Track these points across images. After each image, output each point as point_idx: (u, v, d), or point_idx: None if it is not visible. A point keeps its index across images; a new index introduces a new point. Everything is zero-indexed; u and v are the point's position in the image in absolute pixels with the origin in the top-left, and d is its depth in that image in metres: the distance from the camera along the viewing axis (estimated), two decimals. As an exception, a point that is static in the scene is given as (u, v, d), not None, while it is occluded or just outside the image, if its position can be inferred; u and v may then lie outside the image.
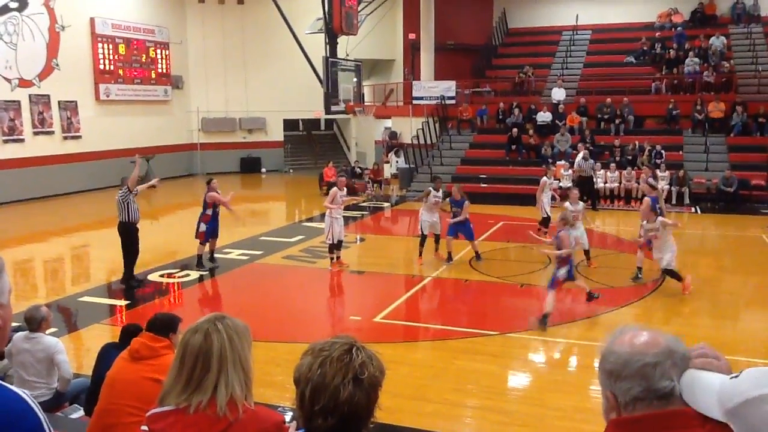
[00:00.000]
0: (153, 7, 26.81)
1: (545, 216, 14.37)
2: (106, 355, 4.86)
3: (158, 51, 26.89)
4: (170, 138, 27.42)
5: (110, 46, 24.57)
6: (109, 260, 13.42)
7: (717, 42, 24.54)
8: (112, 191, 23.37)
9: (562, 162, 19.83)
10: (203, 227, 12.15)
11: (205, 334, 2.30)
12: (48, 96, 22.16)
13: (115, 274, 12.28)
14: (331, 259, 12.22)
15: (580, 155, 19.02)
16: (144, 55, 26.17)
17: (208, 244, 12.25)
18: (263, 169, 29.69)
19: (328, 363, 1.79)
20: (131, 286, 11.02)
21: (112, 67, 24.67)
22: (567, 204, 11.84)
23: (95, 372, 5.06)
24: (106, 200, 22.10)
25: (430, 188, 12.76)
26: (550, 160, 19.51)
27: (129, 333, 4.71)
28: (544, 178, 15.01)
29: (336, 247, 12.18)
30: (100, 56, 24.17)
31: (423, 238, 12.42)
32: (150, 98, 26.62)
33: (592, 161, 18.65)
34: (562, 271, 8.86)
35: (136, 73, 25.79)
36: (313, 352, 1.85)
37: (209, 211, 12.20)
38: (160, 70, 27.03)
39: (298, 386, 1.83)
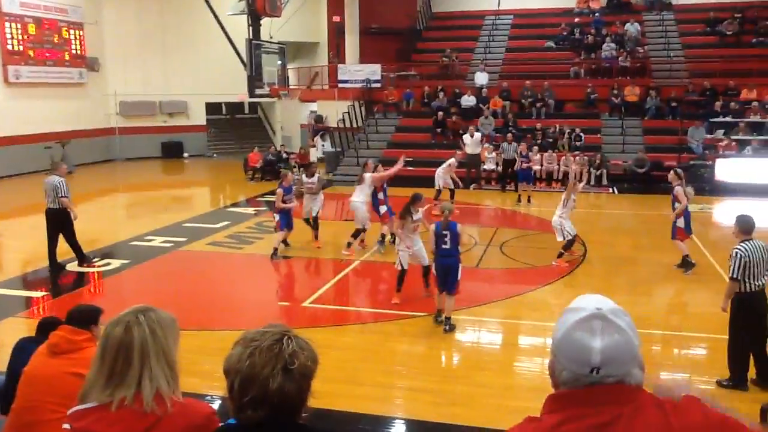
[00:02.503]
0: (65, -16, 25.61)
1: (439, 189, 15.74)
2: (22, 350, 4.65)
3: (71, 31, 25.72)
4: (86, 122, 26.36)
5: (19, 26, 23.34)
6: (24, 250, 12.87)
7: (632, 28, 25.38)
8: (25, 178, 22.50)
9: (487, 145, 20.16)
10: (384, 209, 12.06)
11: (126, 327, 2.21)
12: (-49, 78, 20.94)
13: (31, 265, 11.81)
14: (348, 243, 11.93)
15: (474, 136, 19.36)
16: (56, 36, 24.99)
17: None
18: (186, 154, 28.97)
19: (258, 353, 1.75)
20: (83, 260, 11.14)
21: (21, 48, 23.46)
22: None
23: (10, 368, 4.83)
24: (18, 188, 21.17)
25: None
26: (462, 144, 19.66)
27: (46, 326, 4.52)
28: (452, 159, 16.08)
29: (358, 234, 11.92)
30: (8, 36, 22.93)
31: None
32: (64, 81, 25.46)
33: (515, 144, 19.00)
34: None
35: (48, 55, 24.61)
36: (243, 341, 1.80)
37: (381, 195, 12.18)
38: (74, 52, 25.88)
39: (228, 377, 1.79)
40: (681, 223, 10.68)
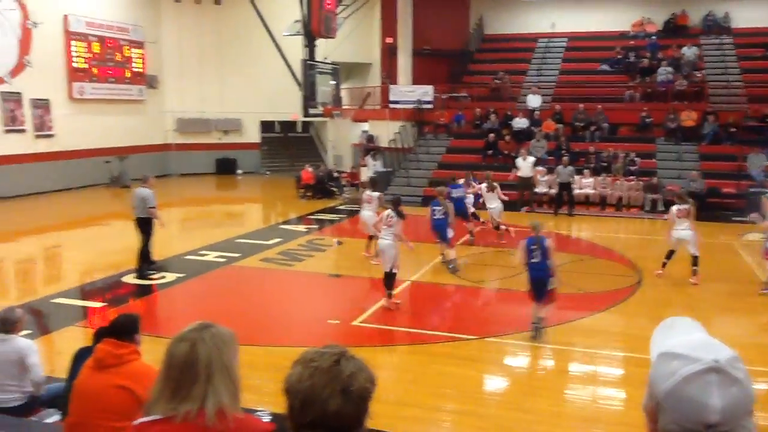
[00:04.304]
0: (128, 5, 26.53)
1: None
2: (81, 360, 4.78)
3: (133, 50, 26.60)
4: (144, 138, 27.13)
5: (84, 44, 24.25)
6: (82, 261, 13.26)
7: (689, 52, 24.94)
8: (86, 191, 23.21)
9: (539, 168, 20.00)
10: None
11: (191, 344, 2.26)
12: (20, 94, 21.78)
13: (89, 275, 12.16)
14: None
15: (527, 159, 19.15)
16: (118, 54, 25.87)
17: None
18: (239, 171, 29.51)
19: (317, 374, 1.76)
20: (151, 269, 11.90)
21: (86, 66, 24.34)
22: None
23: (70, 376, 4.97)
24: (78, 200, 21.86)
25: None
26: (516, 167, 19.59)
27: (102, 335, 4.64)
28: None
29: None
30: (74, 54, 23.83)
31: None
32: (124, 97, 26.31)
33: (571, 168, 18.83)
34: None
35: (110, 72, 25.48)
36: (303, 362, 1.81)
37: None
38: (134, 69, 26.74)
39: (287, 397, 1.80)
40: None
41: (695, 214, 11.64)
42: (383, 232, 9.98)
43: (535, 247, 8.53)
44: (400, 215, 9.94)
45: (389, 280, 9.89)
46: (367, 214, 12.85)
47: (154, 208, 11.74)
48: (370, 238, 12.75)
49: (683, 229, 11.29)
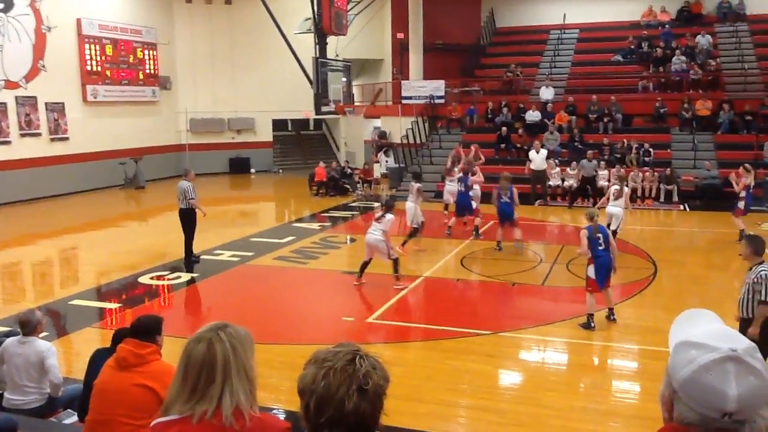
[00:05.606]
0: (140, 7, 26.66)
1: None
2: (98, 361, 4.82)
3: (146, 52, 26.74)
4: (158, 139, 27.29)
5: (97, 47, 24.40)
6: (98, 263, 13.36)
7: (703, 40, 24.68)
8: (101, 193, 23.42)
9: (551, 161, 19.91)
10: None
11: (209, 344, 2.27)
12: (35, 98, 21.98)
13: (105, 276, 12.26)
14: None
15: (540, 152, 19.09)
16: (131, 56, 26.02)
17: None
18: (252, 170, 29.62)
19: (332, 374, 1.76)
20: (192, 262, 12.54)
21: (99, 68, 24.49)
22: None
23: (87, 378, 5.02)
24: (94, 202, 22.04)
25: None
26: (528, 160, 19.54)
27: (121, 337, 4.69)
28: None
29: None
30: (87, 57, 23.99)
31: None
32: (138, 99, 26.46)
33: (595, 162, 18.78)
34: None
35: (123, 74, 25.62)
36: (316, 362, 1.82)
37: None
38: (147, 71, 26.88)
39: (302, 398, 1.81)
40: (741, 204, 13.37)
41: (629, 197, 13.64)
42: (372, 227, 10.84)
43: (599, 235, 8.71)
44: (379, 218, 10.80)
45: (396, 265, 10.86)
46: (409, 204, 13.50)
47: (194, 199, 12.34)
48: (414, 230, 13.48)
49: (616, 206, 12.82)
